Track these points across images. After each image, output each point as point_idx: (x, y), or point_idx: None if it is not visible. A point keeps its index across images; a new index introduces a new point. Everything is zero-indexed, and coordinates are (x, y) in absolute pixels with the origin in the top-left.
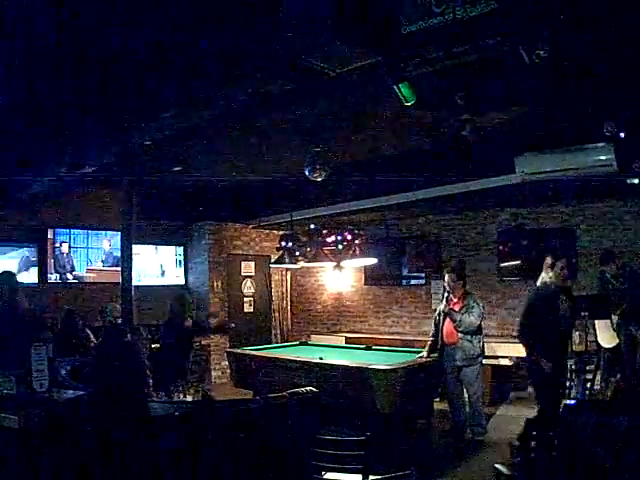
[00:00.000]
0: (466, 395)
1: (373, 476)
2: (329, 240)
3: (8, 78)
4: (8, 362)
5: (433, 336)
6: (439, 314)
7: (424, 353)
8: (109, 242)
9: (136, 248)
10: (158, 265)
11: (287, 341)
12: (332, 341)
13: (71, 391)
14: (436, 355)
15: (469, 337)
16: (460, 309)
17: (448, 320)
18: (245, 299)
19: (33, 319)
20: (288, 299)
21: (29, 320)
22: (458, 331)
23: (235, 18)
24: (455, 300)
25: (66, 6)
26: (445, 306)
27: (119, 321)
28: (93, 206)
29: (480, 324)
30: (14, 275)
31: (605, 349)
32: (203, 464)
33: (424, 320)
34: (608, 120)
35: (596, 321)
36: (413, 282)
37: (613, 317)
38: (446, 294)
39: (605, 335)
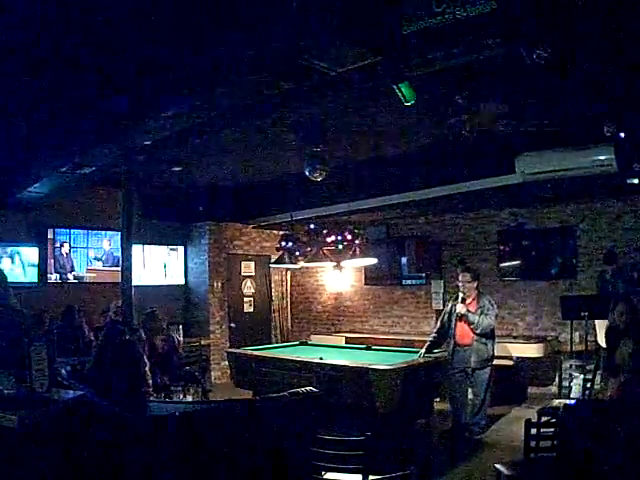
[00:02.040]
0: (470, 396)
1: (373, 476)
2: (329, 240)
3: (8, 78)
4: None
5: (436, 333)
6: (449, 314)
7: (422, 351)
8: (109, 242)
9: (136, 248)
10: (159, 265)
11: (287, 341)
12: (332, 341)
13: (71, 391)
14: (437, 353)
15: (484, 340)
16: (476, 310)
17: (462, 321)
18: (245, 299)
19: (22, 318)
20: (288, 299)
21: (18, 318)
22: (475, 333)
23: (235, 18)
24: (469, 301)
25: (66, 5)
26: (462, 307)
27: (119, 319)
28: (93, 206)
29: (493, 327)
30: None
31: (604, 349)
32: (203, 464)
33: (424, 320)
34: (608, 120)
35: (596, 321)
36: (413, 282)
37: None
38: (461, 295)
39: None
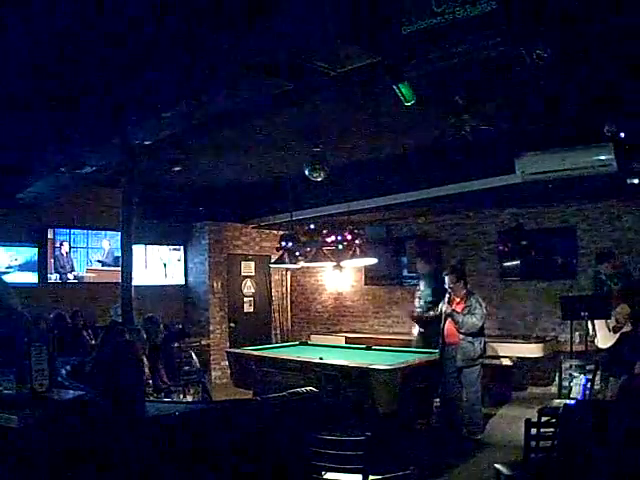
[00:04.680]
0: (465, 396)
1: (373, 476)
2: (329, 240)
3: (8, 78)
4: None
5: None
6: (440, 313)
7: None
8: (109, 242)
9: (138, 248)
10: (159, 265)
11: (287, 341)
12: (332, 341)
13: (71, 391)
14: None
15: (470, 338)
16: (462, 310)
17: (449, 320)
18: (245, 299)
19: (22, 318)
20: (288, 299)
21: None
22: (460, 332)
23: (235, 17)
24: (458, 300)
25: (67, 5)
26: (447, 307)
27: (120, 320)
28: (93, 206)
29: (482, 326)
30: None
31: (603, 349)
32: (203, 464)
33: None
34: (608, 120)
35: (596, 321)
36: (413, 282)
37: (611, 317)
38: (448, 295)
39: (602, 335)
